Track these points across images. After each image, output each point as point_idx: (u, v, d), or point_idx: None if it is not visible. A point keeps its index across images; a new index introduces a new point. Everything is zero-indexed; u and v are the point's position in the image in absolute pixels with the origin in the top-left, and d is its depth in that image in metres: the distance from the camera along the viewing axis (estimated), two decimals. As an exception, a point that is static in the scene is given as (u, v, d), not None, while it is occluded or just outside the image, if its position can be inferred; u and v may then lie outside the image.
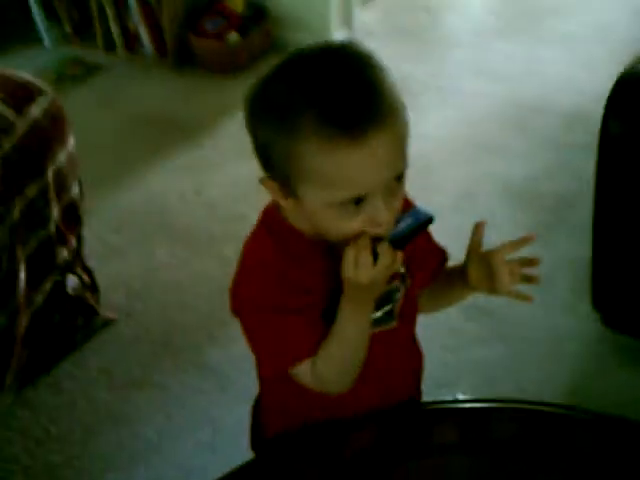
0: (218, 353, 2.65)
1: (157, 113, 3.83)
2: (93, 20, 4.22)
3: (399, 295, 1.42)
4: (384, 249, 1.21)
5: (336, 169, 1.13)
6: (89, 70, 4.19)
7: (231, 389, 2.53)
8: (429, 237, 1.51)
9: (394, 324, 1.44)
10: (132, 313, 2.80)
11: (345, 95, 1.11)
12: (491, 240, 2.78)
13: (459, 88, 3.91)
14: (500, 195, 3.22)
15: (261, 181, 1.24)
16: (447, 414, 1.55)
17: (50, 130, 2.41)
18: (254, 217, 3.03)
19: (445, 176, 3.33)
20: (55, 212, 2.45)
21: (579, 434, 1.48)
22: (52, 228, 2.45)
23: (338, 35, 4.15)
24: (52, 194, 2.42)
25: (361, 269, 1.20)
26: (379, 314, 1.39)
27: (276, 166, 1.19)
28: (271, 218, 1.34)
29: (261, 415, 1.65)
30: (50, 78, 3.86)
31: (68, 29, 4.34)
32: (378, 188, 1.17)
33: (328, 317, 1.32)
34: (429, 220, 1.26)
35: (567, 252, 2.89)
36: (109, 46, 4.26)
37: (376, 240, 1.21)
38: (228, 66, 4.00)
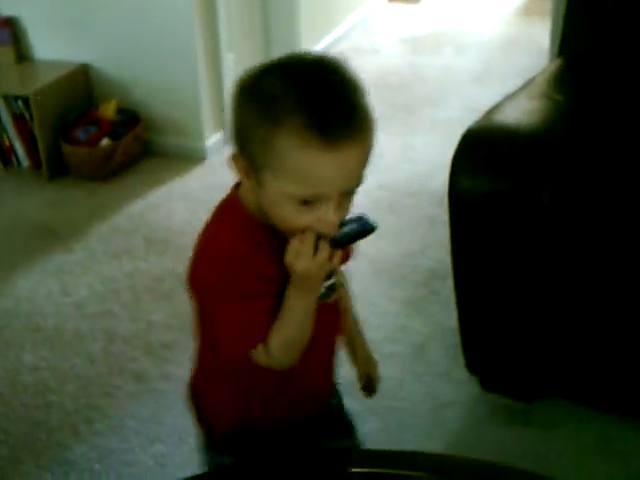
0: (83, 449, 2.53)
1: (29, 223, 3.74)
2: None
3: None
4: (324, 245, 1.32)
5: (308, 168, 1.25)
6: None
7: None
8: None
9: (333, 298, 1.52)
10: (-8, 417, 2.66)
11: (333, 107, 1.25)
12: (366, 317, 2.78)
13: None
14: (374, 273, 3.21)
15: (231, 157, 1.35)
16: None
17: None
18: (122, 313, 2.99)
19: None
20: None
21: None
22: None
23: (212, 139, 4.15)
24: None
25: (300, 259, 1.32)
26: (322, 289, 1.46)
27: (249, 149, 1.30)
28: (230, 208, 1.42)
29: (207, 413, 1.65)
30: None
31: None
32: (335, 193, 1.28)
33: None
34: (372, 229, 1.37)
35: (440, 322, 2.87)
36: (-15, 163, 4.19)
37: (320, 237, 1.32)
38: (101, 172, 3.96)
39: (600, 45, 2.87)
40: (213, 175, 3.96)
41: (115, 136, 3.99)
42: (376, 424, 2.52)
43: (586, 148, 2.48)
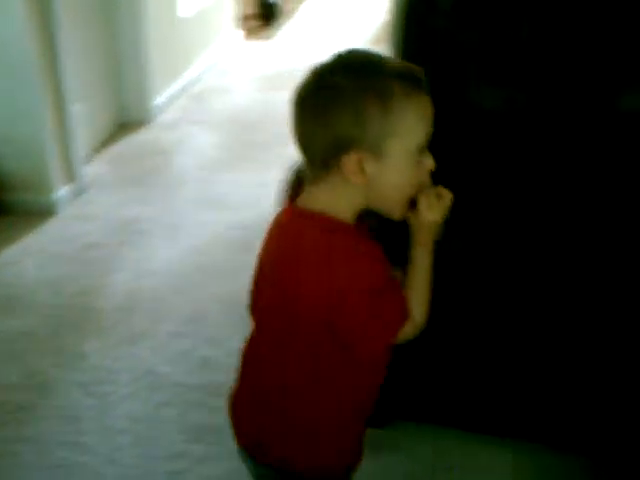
0: None
1: None
2: None
3: None
4: (445, 190, 1.54)
5: (417, 113, 1.45)
6: None
7: None
8: None
9: None
10: None
11: (401, 68, 1.47)
12: (218, 358, 2.79)
13: (187, 222, 3.97)
14: (227, 314, 3.24)
15: (342, 162, 1.44)
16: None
17: None
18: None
19: (173, 304, 3.32)
20: None
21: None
22: None
23: (62, 192, 4.12)
24: None
25: (431, 209, 1.52)
26: None
27: (366, 136, 1.43)
28: (321, 222, 1.50)
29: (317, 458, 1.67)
30: None
31: None
32: (430, 134, 1.48)
33: None
34: None
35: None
36: None
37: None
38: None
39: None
40: (64, 229, 3.94)
41: (-36, 197, 3.94)
42: (228, 465, 2.54)
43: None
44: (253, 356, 1.68)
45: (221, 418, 2.70)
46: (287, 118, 5.07)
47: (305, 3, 7.90)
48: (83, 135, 4.32)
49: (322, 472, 1.66)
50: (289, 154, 3.89)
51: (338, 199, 1.49)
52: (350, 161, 1.44)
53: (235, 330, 3.13)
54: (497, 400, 2.48)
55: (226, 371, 2.90)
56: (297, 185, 1.61)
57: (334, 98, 1.44)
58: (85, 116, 4.41)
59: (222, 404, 2.73)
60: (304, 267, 1.48)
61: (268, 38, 6.83)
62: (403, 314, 1.53)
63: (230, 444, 2.57)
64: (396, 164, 1.46)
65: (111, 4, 4.84)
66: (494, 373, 2.43)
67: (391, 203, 1.52)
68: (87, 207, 4.13)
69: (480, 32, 2.97)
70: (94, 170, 4.45)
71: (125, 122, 5.05)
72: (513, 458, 2.55)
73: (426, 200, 1.52)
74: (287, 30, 7.07)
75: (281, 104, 5.27)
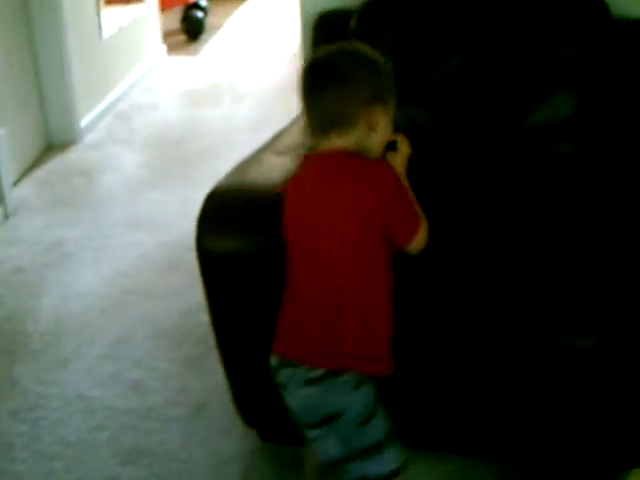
0: None
1: None
2: None
3: None
4: (400, 134, 2.16)
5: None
6: None
7: None
8: None
9: None
10: None
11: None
12: (147, 382, 2.80)
13: (114, 243, 3.99)
14: (154, 336, 3.28)
15: (369, 117, 1.96)
16: None
17: None
18: None
19: (100, 327, 3.35)
20: None
21: None
22: None
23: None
24: None
25: (407, 143, 2.16)
26: None
27: (385, 93, 2.01)
28: (352, 160, 1.97)
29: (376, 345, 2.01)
30: None
31: None
32: None
33: None
34: None
35: (220, 378, 2.90)
36: None
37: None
38: None
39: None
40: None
41: None
42: (161, 487, 2.59)
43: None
44: (301, 278, 2.05)
45: (153, 440, 2.78)
46: (214, 133, 5.14)
47: (230, 19, 7.95)
48: (10, 159, 4.33)
49: (372, 364, 1.98)
50: (216, 170, 4.04)
51: (354, 144, 1.97)
52: (372, 116, 1.95)
53: (162, 352, 3.18)
54: (437, 416, 2.51)
55: (155, 393, 2.96)
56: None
57: (356, 65, 1.97)
58: (11, 140, 4.40)
59: (153, 426, 2.82)
60: (358, 186, 1.93)
61: (193, 54, 6.87)
62: (420, 216, 2.03)
63: (162, 466, 2.65)
64: (390, 118, 2.01)
65: (31, 27, 4.83)
66: (432, 391, 2.45)
67: (376, 149, 2.01)
68: (15, 230, 4.13)
69: (386, 51, 3.03)
70: (21, 193, 4.46)
71: (52, 144, 5.05)
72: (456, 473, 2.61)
73: (402, 139, 2.13)
74: (212, 45, 7.11)
75: (207, 119, 5.40)
